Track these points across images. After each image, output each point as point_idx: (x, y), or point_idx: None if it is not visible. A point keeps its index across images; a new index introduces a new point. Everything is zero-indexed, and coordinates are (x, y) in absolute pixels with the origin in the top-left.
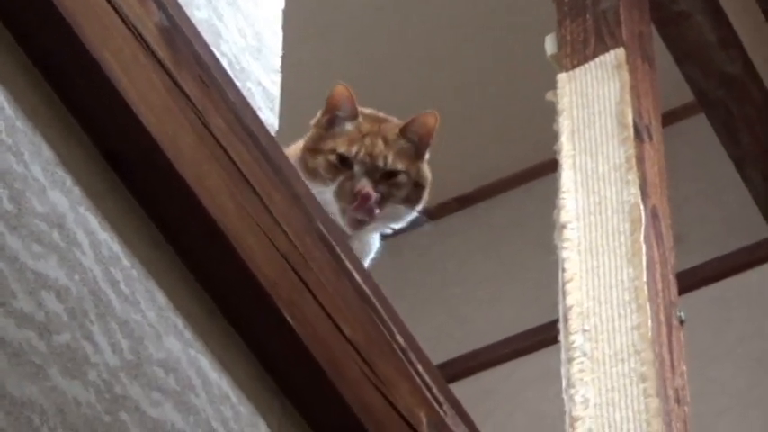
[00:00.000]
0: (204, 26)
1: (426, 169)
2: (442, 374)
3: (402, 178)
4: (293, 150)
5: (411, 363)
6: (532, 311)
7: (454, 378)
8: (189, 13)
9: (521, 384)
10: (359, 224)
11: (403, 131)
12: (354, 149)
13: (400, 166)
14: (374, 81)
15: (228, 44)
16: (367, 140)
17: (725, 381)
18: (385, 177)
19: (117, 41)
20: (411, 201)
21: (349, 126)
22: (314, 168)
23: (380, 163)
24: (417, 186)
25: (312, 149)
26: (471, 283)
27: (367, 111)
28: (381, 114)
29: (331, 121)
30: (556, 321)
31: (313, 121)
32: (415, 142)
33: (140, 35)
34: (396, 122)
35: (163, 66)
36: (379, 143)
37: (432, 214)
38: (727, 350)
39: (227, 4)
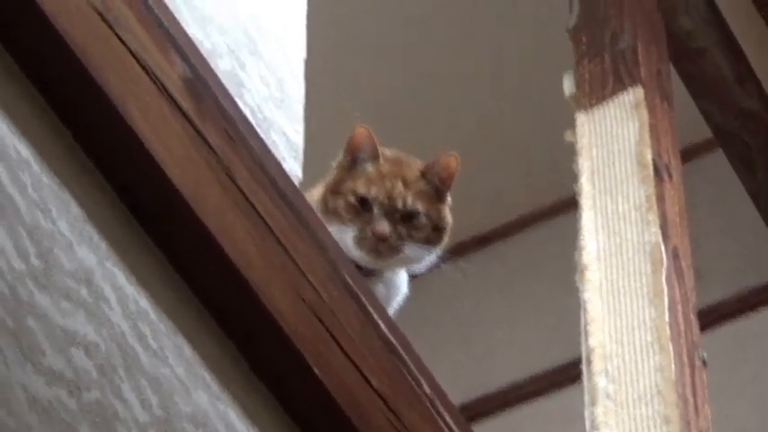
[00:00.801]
0: (227, 76)
1: (447, 212)
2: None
3: (421, 220)
4: (314, 193)
5: (438, 411)
6: (551, 351)
7: (473, 419)
8: (212, 64)
9: (540, 424)
10: (379, 255)
11: (424, 173)
12: (374, 190)
13: (420, 207)
14: (394, 121)
15: (251, 94)
16: (387, 182)
17: (738, 419)
18: (404, 219)
19: (141, 94)
20: (431, 242)
21: (369, 167)
22: (334, 209)
23: (399, 204)
24: (437, 228)
25: (333, 190)
26: (489, 322)
27: (389, 152)
28: (404, 156)
29: (352, 162)
30: (576, 361)
31: (335, 163)
32: (435, 184)
33: (164, 87)
34: (417, 164)
35: (187, 117)
36: (399, 184)
37: (450, 254)
38: (741, 389)
39: (250, 54)
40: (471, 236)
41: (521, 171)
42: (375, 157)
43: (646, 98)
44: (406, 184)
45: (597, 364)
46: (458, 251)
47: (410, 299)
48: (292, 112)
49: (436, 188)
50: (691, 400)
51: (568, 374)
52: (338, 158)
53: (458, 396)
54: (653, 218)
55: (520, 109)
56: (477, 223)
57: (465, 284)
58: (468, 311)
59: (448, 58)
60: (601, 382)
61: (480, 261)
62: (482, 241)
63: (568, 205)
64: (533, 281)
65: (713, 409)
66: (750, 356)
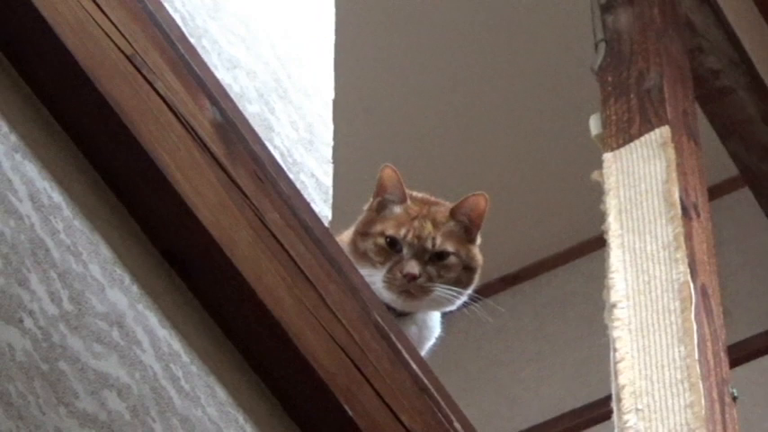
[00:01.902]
0: (257, 120)
1: (477, 252)
2: None
3: (452, 260)
4: (345, 236)
5: None
6: (580, 390)
7: None
8: (241, 108)
9: None
10: (409, 296)
11: (453, 213)
12: (403, 232)
13: (449, 247)
14: (422, 162)
15: (281, 137)
16: (416, 223)
17: None
18: (434, 259)
19: (172, 139)
20: (461, 283)
21: (398, 209)
22: (363, 251)
23: (429, 245)
24: (468, 269)
25: (363, 233)
26: (518, 362)
27: (417, 194)
28: (432, 197)
29: (381, 204)
30: (604, 399)
31: (366, 206)
32: (465, 224)
33: (195, 132)
34: (446, 205)
35: (218, 162)
36: (428, 225)
37: (478, 294)
38: None
39: (279, 98)
40: (500, 276)
41: (549, 211)
42: (403, 198)
43: (672, 137)
44: (435, 224)
45: (627, 402)
46: (486, 291)
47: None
48: (321, 154)
49: (466, 228)
50: None
51: (598, 413)
52: (369, 201)
53: None
54: (681, 256)
55: (548, 150)
56: (506, 263)
57: (494, 324)
58: (498, 351)
59: (476, 99)
60: (631, 420)
61: (509, 301)
62: (511, 281)
63: (596, 245)
64: (562, 320)
65: None
66: None
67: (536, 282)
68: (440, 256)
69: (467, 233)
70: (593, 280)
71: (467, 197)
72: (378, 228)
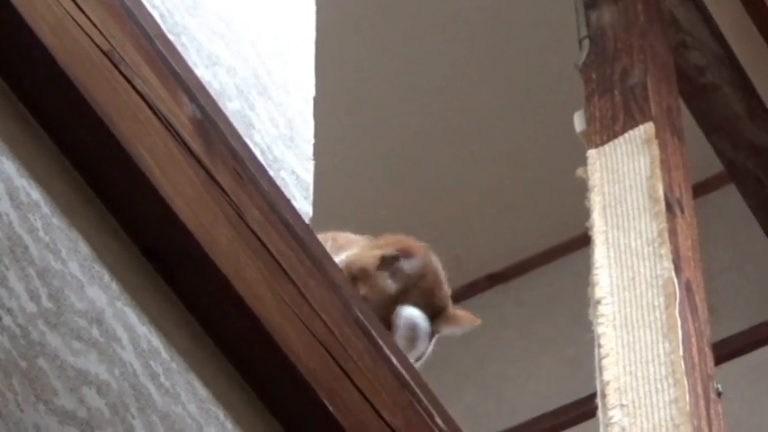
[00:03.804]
0: (236, 117)
1: None
2: None
3: None
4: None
5: None
6: (567, 387)
7: None
8: (221, 105)
9: None
10: None
11: None
12: None
13: None
14: (405, 160)
15: (261, 134)
16: None
17: None
18: None
19: (151, 136)
20: None
21: None
22: None
23: None
24: None
25: None
26: (505, 360)
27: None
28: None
29: None
30: (591, 396)
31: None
32: None
33: (174, 129)
34: None
35: (197, 159)
36: None
37: (463, 293)
38: (763, 421)
39: (259, 94)
40: (487, 274)
41: (534, 209)
42: None
43: (657, 133)
44: None
45: (612, 398)
46: (473, 289)
47: None
48: (302, 151)
49: None
50: (706, 431)
51: (585, 409)
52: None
53: None
54: (665, 252)
55: (532, 147)
56: (493, 261)
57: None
58: (485, 349)
59: (461, 96)
60: (616, 415)
61: (496, 299)
62: (497, 279)
63: (582, 242)
64: (549, 318)
65: None
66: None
67: (522, 279)
68: None
69: None
70: (580, 277)
71: None
72: None
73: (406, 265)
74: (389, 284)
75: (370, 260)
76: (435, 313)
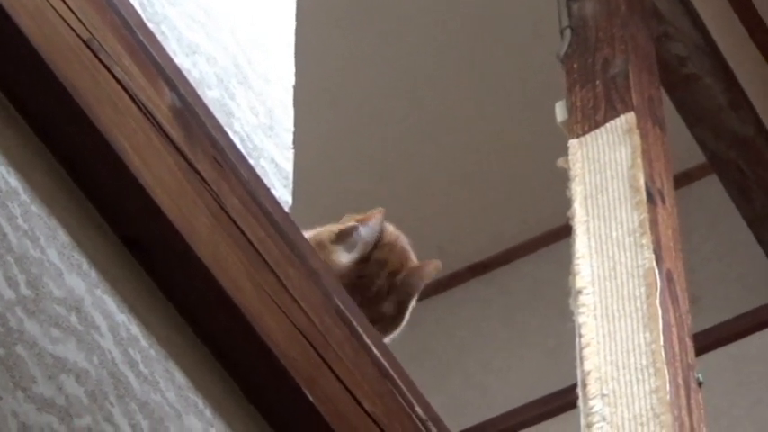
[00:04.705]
0: (216, 105)
1: None
2: None
3: None
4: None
5: None
6: (550, 377)
7: None
8: (201, 93)
9: None
10: None
11: None
12: None
13: None
14: (385, 149)
15: (240, 122)
16: None
17: None
18: None
19: (130, 124)
20: None
21: None
22: None
23: None
24: None
25: None
26: (488, 350)
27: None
28: None
29: None
30: (574, 386)
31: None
32: None
33: (153, 117)
34: None
35: (177, 147)
36: None
37: (446, 283)
38: (744, 412)
39: (239, 83)
40: (469, 264)
41: (516, 199)
42: None
43: (638, 124)
44: None
45: (593, 388)
46: (455, 279)
47: (408, 329)
48: (281, 139)
49: None
50: (687, 421)
51: (567, 400)
52: None
53: (457, 423)
54: (646, 242)
55: (513, 137)
56: (475, 252)
57: (464, 312)
58: (468, 339)
59: (442, 86)
60: (597, 405)
61: (478, 289)
62: (479, 269)
63: (564, 232)
64: (531, 308)
65: None
66: (752, 378)
67: (504, 270)
68: None
69: None
70: (562, 267)
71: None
72: None
73: (364, 231)
74: (344, 257)
75: (326, 234)
76: (398, 270)
